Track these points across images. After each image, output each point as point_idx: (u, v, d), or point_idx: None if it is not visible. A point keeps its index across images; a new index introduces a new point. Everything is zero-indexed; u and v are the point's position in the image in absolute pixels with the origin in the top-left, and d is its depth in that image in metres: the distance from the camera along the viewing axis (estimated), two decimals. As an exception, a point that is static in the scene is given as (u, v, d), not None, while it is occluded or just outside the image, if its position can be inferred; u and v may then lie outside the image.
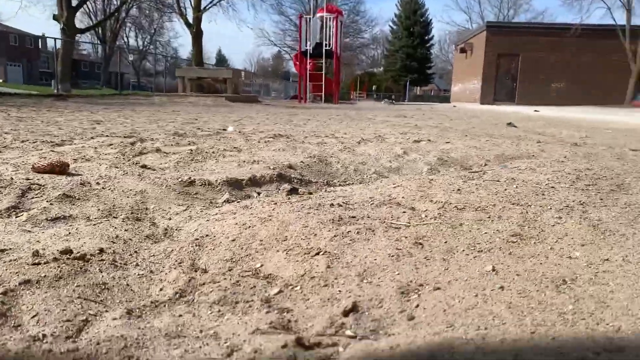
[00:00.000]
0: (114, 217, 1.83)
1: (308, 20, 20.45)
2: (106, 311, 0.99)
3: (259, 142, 3.91)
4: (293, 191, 2.24)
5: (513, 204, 1.58)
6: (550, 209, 1.49)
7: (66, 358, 0.79)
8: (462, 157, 3.81)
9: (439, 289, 0.95)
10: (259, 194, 2.43)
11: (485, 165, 3.48)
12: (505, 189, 1.88)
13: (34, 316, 0.93)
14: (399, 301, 0.92)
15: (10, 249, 1.36)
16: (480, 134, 6.05)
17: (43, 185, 2.06)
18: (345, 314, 0.89)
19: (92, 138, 3.83)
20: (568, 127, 8.27)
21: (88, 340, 0.85)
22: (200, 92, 15.95)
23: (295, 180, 2.67)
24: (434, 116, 11.21)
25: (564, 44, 26.12)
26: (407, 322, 0.85)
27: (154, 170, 2.59)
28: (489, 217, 1.40)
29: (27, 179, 2.13)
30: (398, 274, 1.06)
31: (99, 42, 47.21)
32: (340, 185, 2.78)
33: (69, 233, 1.54)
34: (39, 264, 1.19)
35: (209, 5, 25.06)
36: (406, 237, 1.26)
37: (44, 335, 0.86)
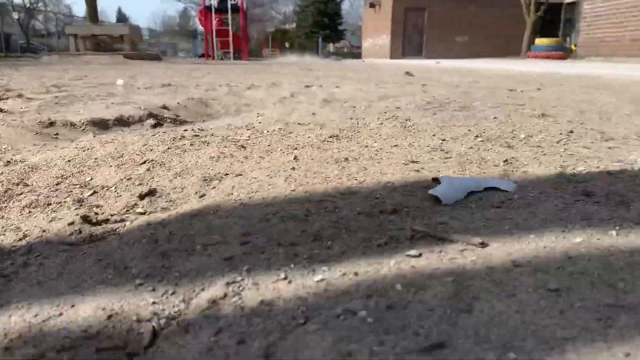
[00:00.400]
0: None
1: (211, -27, 19.59)
2: None
3: (139, 89, 3.79)
4: (157, 125, 2.24)
5: (351, 119, 1.70)
6: (379, 119, 1.63)
7: None
8: (347, 98, 3.94)
9: (241, 175, 1.03)
10: (123, 131, 2.40)
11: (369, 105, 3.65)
12: (354, 111, 2.01)
13: None
14: (199, 186, 1.00)
15: None
16: (376, 81, 6.25)
17: None
18: (142, 197, 0.95)
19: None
20: (462, 75, 8.74)
21: None
22: (96, 50, 14.93)
23: (168, 120, 2.65)
24: (339, 69, 11.35)
25: (467, -2, 27.11)
26: (197, 199, 0.92)
27: (12, 113, 2.46)
28: (321, 128, 1.50)
29: None
30: (211, 169, 1.12)
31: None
32: (210, 120, 2.80)
33: None
34: None
35: (102, -43, 23.07)
36: (234, 144, 1.33)
37: None
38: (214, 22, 19.94)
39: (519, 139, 1.39)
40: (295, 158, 1.12)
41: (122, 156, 1.40)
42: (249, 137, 1.54)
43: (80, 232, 0.83)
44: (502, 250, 0.67)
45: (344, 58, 40.05)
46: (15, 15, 42.71)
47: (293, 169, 1.03)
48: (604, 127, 1.76)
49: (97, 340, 0.55)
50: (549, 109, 2.47)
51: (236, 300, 0.61)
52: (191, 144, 1.39)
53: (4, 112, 2.46)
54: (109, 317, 0.59)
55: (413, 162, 1.07)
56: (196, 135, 1.56)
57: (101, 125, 2.40)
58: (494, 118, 1.86)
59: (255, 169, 1.09)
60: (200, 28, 21.06)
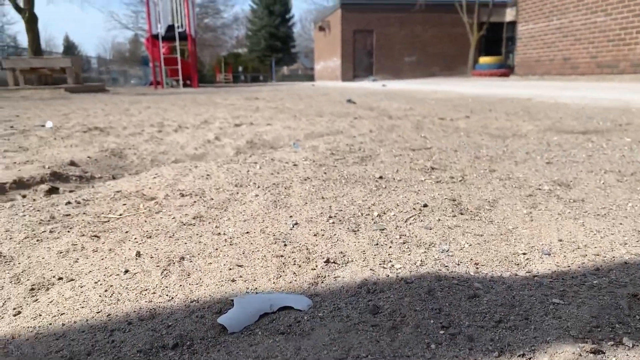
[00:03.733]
0: None
1: (156, 1, 19.46)
2: None
3: (56, 139, 3.68)
4: (52, 191, 2.16)
5: (237, 186, 1.69)
6: (262, 187, 1.63)
7: None
8: (273, 138, 3.95)
9: (72, 280, 1.00)
10: (24, 196, 2.31)
11: (294, 143, 3.65)
12: (253, 169, 2.00)
13: None
14: (22, 298, 0.96)
15: None
16: (311, 113, 6.30)
17: None
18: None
19: None
20: (402, 99, 8.94)
21: None
22: (37, 84, 14.49)
23: (73, 178, 2.57)
24: (285, 96, 11.41)
25: (412, 19, 28.01)
26: (11, 318, 0.88)
27: None
28: (195, 202, 1.49)
29: None
30: (51, 270, 1.08)
31: None
32: (129, 175, 2.74)
33: None
34: None
35: (42, -13, 22.58)
36: (93, 230, 1.29)
37: None
38: (162, 50, 19.77)
39: (370, 218, 1.39)
40: (137, 254, 1.09)
41: (-25, 248, 1.34)
42: (120, 215, 1.50)
43: None
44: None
45: (298, 81, 40.39)
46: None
47: (126, 271, 1.00)
48: (470, 191, 1.82)
49: None
50: (448, 156, 2.53)
51: None
52: (51, 230, 1.34)
53: None
54: None
55: (239, 265, 1.05)
56: (67, 215, 1.51)
57: (-4, 190, 2.30)
58: (379, 178, 1.89)
59: (93, 269, 1.06)
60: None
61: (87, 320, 0.83)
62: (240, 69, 46.85)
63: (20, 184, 2.40)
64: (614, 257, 1.09)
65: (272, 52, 47.05)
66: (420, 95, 10.18)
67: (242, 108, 7.42)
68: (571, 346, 0.71)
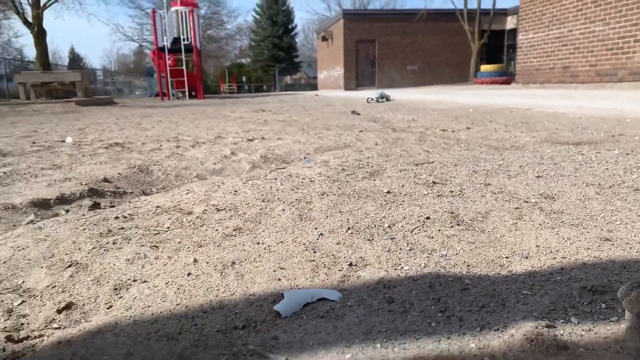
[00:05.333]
0: None
1: (162, 15, 19.90)
2: None
3: (85, 156, 3.96)
4: (95, 206, 2.43)
5: (263, 201, 1.96)
6: (287, 202, 1.89)
7: None
8: (285, 152, 4.22)
9: (145, 282, 1.27)
10: (67, 211, 2.58)
11: (305, 157, 3.92)
12: (275, 186, 2.27)
13: None
14: (109, 296, 1.22)
15: None
16: (318, 125, 6.58)
17: None
18: (59, 312, 1.16)
19: None
20: (405, 110, 9.21)
21: None
22: (48, 97, 14.87)
23: (108, 194, 2.84)
24: (290, 108, 11.70)
25: (414, 28, 28.42)
26: (105, 311, 1.15)
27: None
28: (231, 217, 1.76)
29: None
30: (124, 274, 1.35)
31: None
32: (156, 192, 3.01)
33: None
34: None
35: (50, 2, 23.11)
36: (150, 241, 1.56)
37: None
38: (168, 62, 20.19)
39: (382, 229, 1.66)
40: (195, 261, 1.36)
41: (53, 256, 1.60)
42: (168, 228, 1.76)
43: (4, 350, 1.04)
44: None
45: (301, 90, 40.92)
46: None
47: (189, 274, 1.27)
48: (466, 204, 2.08)
49: None
50: (448, 170, 2.79)
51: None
52: (114, 242, 1.61)
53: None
54: None
55: (281, 268, 1.32)
56: (122, 228, 1.78)
57: (42, 205, 2.57)
58: (387, 193, 2.15)
59: (160, 273, 1.32)
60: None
61: (170, 310, 1.09)
62: (243, 79, 47.35)
63: (62, 200, 2.68)
64: (577, 259, 1.35)
65: (275, 62, 47.59)
66: (423, 106, 10.45)
67: (251, 121, 7.71)
68: (532, 322, 0.97)
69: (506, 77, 20.23)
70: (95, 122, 8.51)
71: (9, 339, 1.07)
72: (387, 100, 13.05)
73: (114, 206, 2.49)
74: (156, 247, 1.52)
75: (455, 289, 1.18)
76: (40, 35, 22.22)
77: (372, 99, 12.78)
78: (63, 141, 5.55)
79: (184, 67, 20.23)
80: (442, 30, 29.44)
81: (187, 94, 20.52)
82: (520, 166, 2.92)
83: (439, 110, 8.90)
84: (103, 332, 1.02)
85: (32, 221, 2.37)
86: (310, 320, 1.02)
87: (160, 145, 4.67)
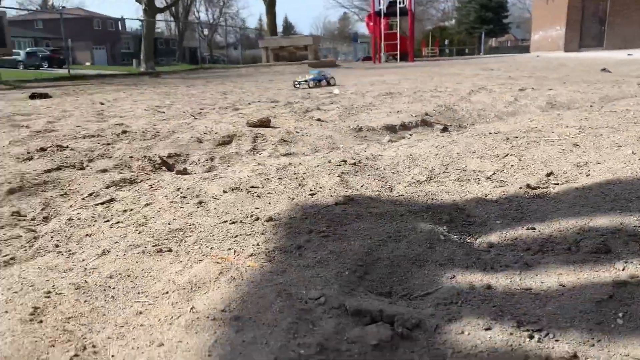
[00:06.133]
0: (317, 151, 2.57)
1: (381, -22, 20.47)
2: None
3: (377, 97, 4.56)
4: (445, 130, 2.90)
5: (635, 123, 2.14)
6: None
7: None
8: (568, 100, 4.27)
9: (599, 163, 1.59)
10: (410, 135, 3.12)
11: (591, 106, 3.94)
12: (625, 115, 2.43)
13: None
14: (575, 171, 1.58)
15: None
16: (577, 80, 6.33)
17: (263, 135, 2.86)
18: (548, 175, 1.56)
19: (249, 104, 4.68)
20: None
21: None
22: (282, 60, 16.74)
23: (435, 124, 3.33)
24: (520, 67, 11.25)
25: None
26: (585, 177, 1.50)
27: (326, 121, 3.34)
28: (618, 130, 1.99)
29: (251, 131, 2.95)
30: (562, 160, 1.70)
31: (172, 19, 49.09)
32: (471, 125, 3.39)
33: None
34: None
35: (282, -26, 25.35)
36: (564, 143, 1.89)
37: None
38: (382, 26, 20.80)
39: None
40: (632, 152, 1.66)
41: (475, 151, 2.05)
42: (558, 137, 2.08)
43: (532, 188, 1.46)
44: None
45: (508, 53, 38.30)
46: (205, 32, 49.08)
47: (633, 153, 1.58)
48: None
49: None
50: None
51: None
52: (527, 144, 1.98)
53: (321, 121, 3.36)
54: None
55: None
56: (515, 137, 2.15)
57: (391, 129, 3.15)
58: None
59: (605, 159, 1.64)
60: (361, 32, 22.13)
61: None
62: (445, 42, 46.14)
63: (404, 126, 3.23)
64: None
65: (481, 23, 45.20)
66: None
67: (492, 77, 7.71)
68: None
69: None
70: (343, 79, 9.37)
71: (528, 186, 1.49)
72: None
73: (453, 131, 2.93)
74: (577, 145, 1.85)
75: None
76: (271, 5, 24.80)
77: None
78: (330, 92, 6.35)
79: (397, 31, 20.63)
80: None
81: (398, 57, 20.97)
82: None
83: None
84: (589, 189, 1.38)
85: (390, 140, 2.94)
86: None
87: (435, 94, 5.08)
